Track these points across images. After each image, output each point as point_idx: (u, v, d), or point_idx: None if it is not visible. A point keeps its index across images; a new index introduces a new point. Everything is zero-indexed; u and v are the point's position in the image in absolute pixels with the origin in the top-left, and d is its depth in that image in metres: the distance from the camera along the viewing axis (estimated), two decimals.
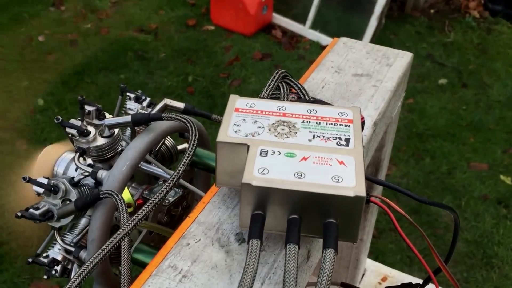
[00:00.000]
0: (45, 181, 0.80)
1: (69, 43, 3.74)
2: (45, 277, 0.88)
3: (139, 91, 0.98)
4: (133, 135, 0.94)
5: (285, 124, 0.60)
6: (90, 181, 0.85)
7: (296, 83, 0.76)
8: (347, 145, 0.57)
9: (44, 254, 0.87)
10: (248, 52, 3.72)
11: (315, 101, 0.75)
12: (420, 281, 0.82)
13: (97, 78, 3.42)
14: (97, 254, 0.56)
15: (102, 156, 0.86)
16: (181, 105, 0.91)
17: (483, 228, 2.59)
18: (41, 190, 0.80)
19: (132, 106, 0.95)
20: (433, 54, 3.75)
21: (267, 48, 3.78)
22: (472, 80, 3.56)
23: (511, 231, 2.57)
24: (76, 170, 0.90)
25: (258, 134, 0.58)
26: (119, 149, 0.88)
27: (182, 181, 0.92)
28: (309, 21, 3.87)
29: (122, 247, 0.68)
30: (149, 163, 0.93)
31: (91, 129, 0.84)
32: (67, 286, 0.54)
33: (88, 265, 0.56)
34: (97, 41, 3.78)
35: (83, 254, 0.84)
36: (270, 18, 3.97)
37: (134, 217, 0.62)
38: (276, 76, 0.75)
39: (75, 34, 3.84)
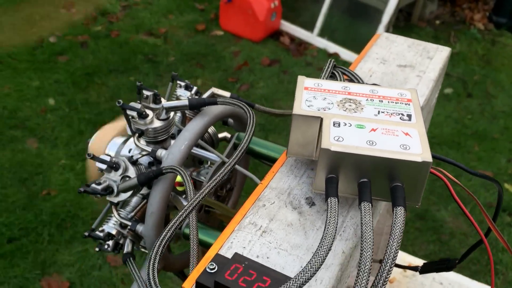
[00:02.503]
0: (107, 158, 0.85)
1: (79, 45, 3.79)
2: (97, 249, 0.92)
3: (187, 81, 1.04)
4: (183, 120, 0.99)
5: (351, 101, 0.66)
6: (143, 161, 0.90)
7: (349, 70, 0.82)
8: (410, 120, 0.63)
9: (100, 228, 0.92)
10: (256, 58, 3.78)
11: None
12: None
13: (107, 80, 3.46)
14: (191, 201, 0.60)
15: (156, 138, 0.90)
16: (227, 93, 0.96)
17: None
18: (104, 166, 0.85)
19: (182, 93, 1.00)
20: None
21: (275, 54, 3.83)
22: (477, 90, 3.63)
23: None
24: (129, 152, 0.95)
25: (329, 109, 0.64)
26: (171, 132, 0.94)
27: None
28: (317, 29, 3.93)
29: (191, 219, 0.73)
30: (197, 146, 0.98)
31: (148, 112, 0.90)
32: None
33: (186, 209, 0.62)
34: (107, 44, 3.83)
35: (139, 228, 0.89)
36: (278, 25, 4.03)
37: (208, 185, 0.67)
38: (330, 64, 0.82)
39: (85, 36, 3.88)
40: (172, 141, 0.94)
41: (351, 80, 0.80)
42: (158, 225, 0.84)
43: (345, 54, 3.79)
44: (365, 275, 0.50)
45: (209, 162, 1.05)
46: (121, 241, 0.93)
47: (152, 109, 0.90)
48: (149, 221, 0.84)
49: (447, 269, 0.83)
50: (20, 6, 4.15)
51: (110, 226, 0.91)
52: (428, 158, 0.56)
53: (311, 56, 3.84)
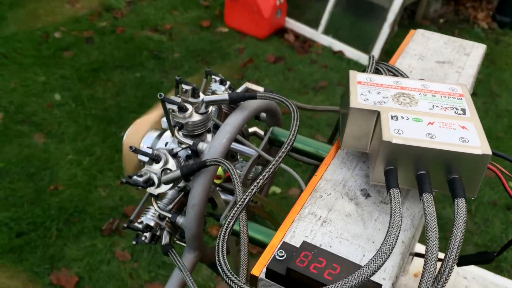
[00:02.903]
0: (149, 151, 0.86)
1: (85, 41, 3.79)
2: (134, 242, 0.93)
3: (220, 75, 1.05)
4: (219, 114, 1.00)
5: (405, 95, 0.67)
6: (181, 154, 0.91)
7: (392, 66, 0.84)
8: (464, 114, 0.65)
9: (139, 220, 0.92)
10: (262, 55, 3.79)
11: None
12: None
13: (113, 75, 3.47)
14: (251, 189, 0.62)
15: (194, 131, 0.92)
16: (260, 88, 0.97)
17: (493, 232, 2.65)
18: (146, 159, 0.86)
19: (217, 87, 1.01)
20: None
21: (280, 52, 3.85)
22: (481, 89, 3.65)
23: None
24: (165, 145, 0.96)
25: (385, 102, 0.65)
26: (209, 126, 0.95)
27: (267, 157, 0.98)
28: (321, 26, 3.94)
29: (241, 218, 0.74)
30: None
31: (188, 106, 0.91)
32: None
33: (242, 202, 0.63)
34: (112, 39, 3.83)
35: (179, 219, 0.90)
36: (283, 22, 4.04)
37: (260, 178, 0.68)
38: (373, 60, 0.83)
39: (90, 32, 3.88)
40: (208, 135, 0.95)
41: (395, 75, 0.82)
42: (199, 217, 0.85)
43: (350, 52, 3.81)
44: (433, 263, 0.51)
45: (239, 156, 1.07)
46: (157, 233, 0.94)
47: (191, 103, 0.91)
48: (190, 213, 0.85)
49: (486, 261, 0.85)
50: (24, 1, 4.15)
51: (149, 218, 0.92)
52: (488, 151, 0.58)
53: (316, 53, 3.86)
